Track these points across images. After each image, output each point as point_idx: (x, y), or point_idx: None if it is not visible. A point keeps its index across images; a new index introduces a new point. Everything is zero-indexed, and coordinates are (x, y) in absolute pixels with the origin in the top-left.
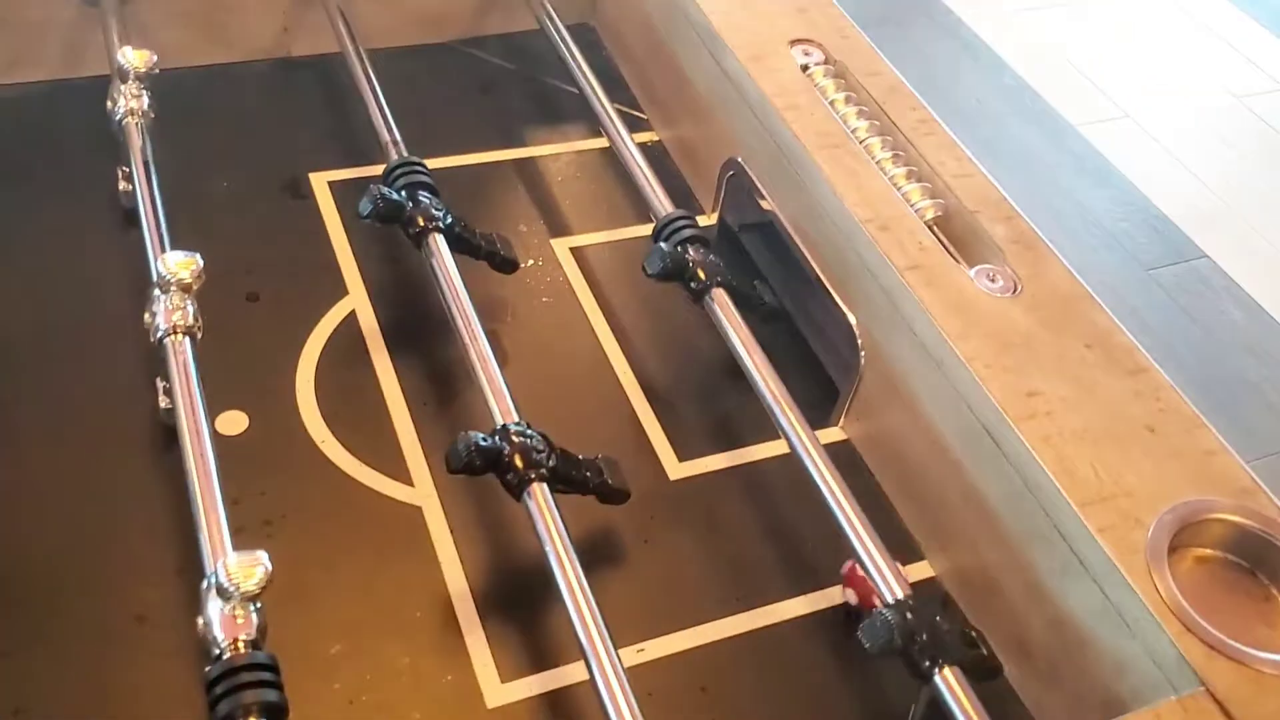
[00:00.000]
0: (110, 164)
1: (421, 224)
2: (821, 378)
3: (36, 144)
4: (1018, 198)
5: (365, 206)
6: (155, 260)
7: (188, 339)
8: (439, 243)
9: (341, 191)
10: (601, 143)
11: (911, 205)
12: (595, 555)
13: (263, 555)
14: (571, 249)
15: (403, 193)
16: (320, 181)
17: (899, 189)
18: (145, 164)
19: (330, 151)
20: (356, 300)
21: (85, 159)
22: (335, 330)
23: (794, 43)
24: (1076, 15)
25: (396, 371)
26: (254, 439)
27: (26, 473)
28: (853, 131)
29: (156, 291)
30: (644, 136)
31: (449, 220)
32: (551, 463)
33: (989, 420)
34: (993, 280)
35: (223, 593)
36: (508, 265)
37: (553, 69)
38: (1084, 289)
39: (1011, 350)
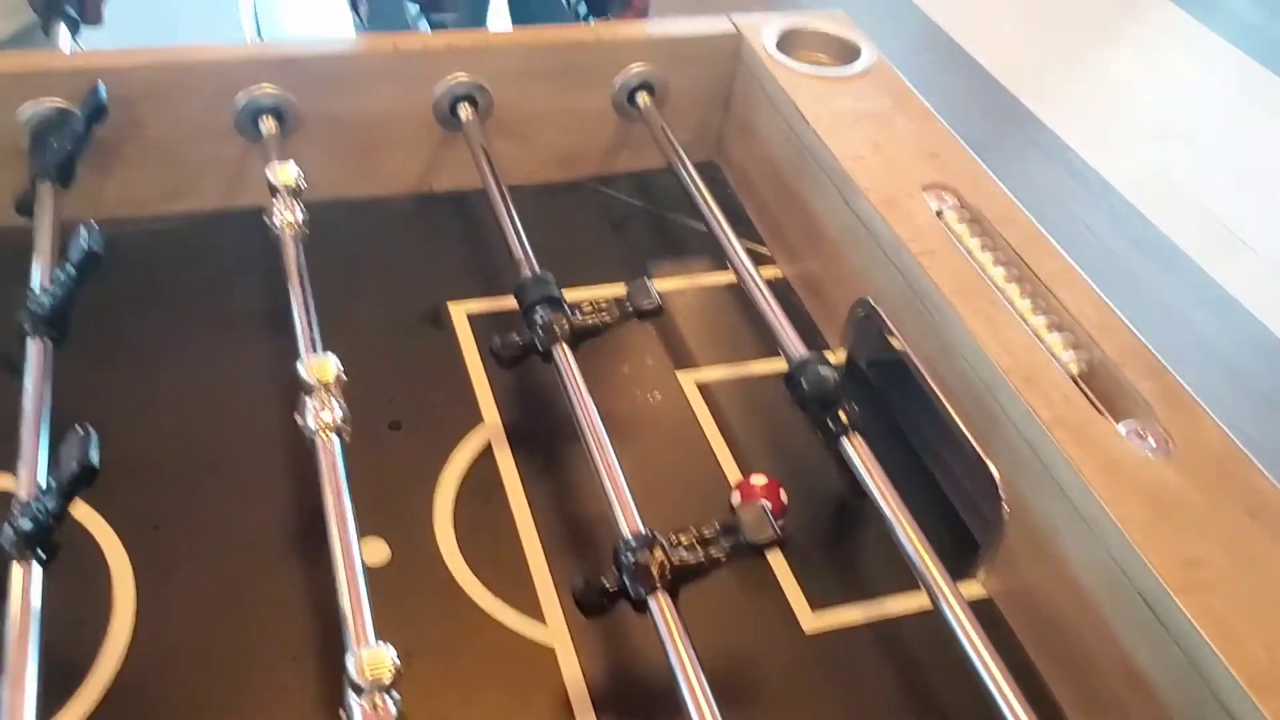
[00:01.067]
0: (263, 288)
1: (546, 342)
2: (955, 525)
3: (193, 270)
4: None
5: (497, 352)
6: (304, 361)
7: (336, 437)
8: (566, 356)
9: (479, 322)
10: (728, 277)
11: (1054, 356)
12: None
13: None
14: (697, 383)
15: (527, 331)
16: (459, 312)
17: (1040, 339)
18: (299, 271)
19: (468, 283)
20: (491, 429)
21: (239, 283)
22: (472, 460)
23: (927, 187)
24: (1187, 141)
25: (529, 502)
26: (393, 568)
27: (177, 587)
28: (990, 278)
29: (303, 395)
30: (769, 272)
31: (572, 321)
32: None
33: (1146, 588)
34: (1143, 438)
35: (356, 687)
36: (650, 312)
37: (680, 205)
38: (1239, 450)
39: (1167, 514)
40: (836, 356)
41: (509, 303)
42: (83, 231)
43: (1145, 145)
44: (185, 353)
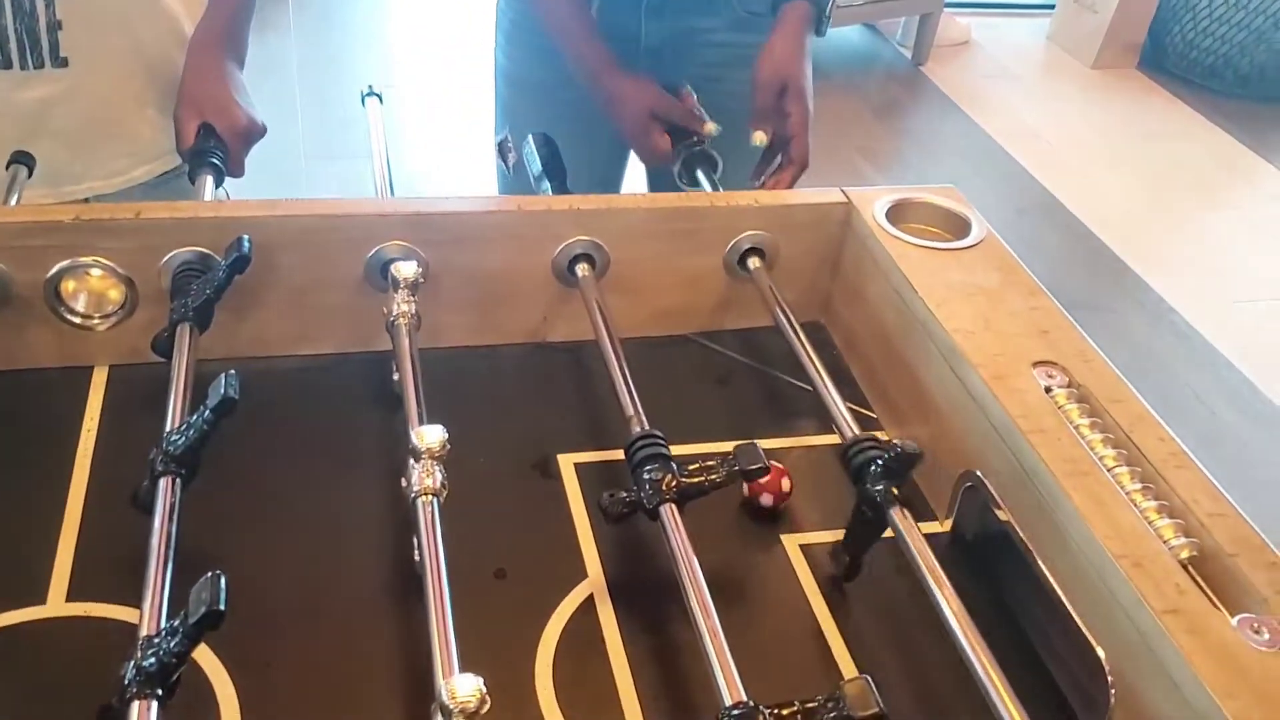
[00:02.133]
0: (382, 430)
1: (654, 500)
2: (1060, 703)
3: (316, 410)
4: (1241, 502)
5: (605, 508)
6: (412, 432)
7: (434, 500)
8: (674, 516)
9: (587, 472)
10: (832, 439)
11: (1165, 542)
12: None
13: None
14: (801, 545)
15: (634, 488)
16: (568, 463)
17: (1151, 524)
18: (411, 357)
19: (579, 433)
20: (595, 584)
21: (359, 425)
22: (574, 613)
23: (1036, 364)
24: None
25: (630, 660)
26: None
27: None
28: (1100, 459)
29: (411, 460)
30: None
31: (680, 480)
32: None
33: None
34: (1257, 632)
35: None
36: (755, 474)
37: (786, 364)
38: None
39: None
40: (942, 526)
41: (617, 455)
42: (223, 378)
43: (1252, 310)
44: (304, 492)
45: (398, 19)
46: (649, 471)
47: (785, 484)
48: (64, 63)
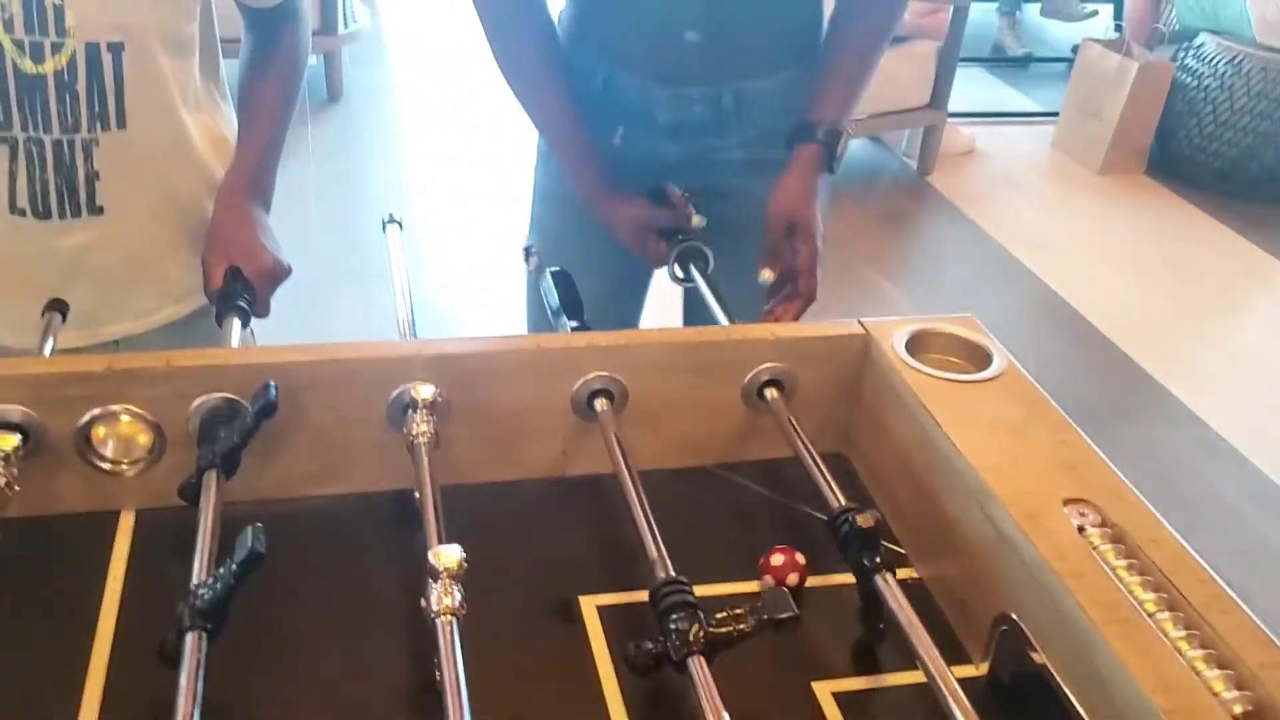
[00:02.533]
0: (404, 566)
1: (681, 652)
2: None
3: (339, 550)
4: None
5: (631, 660)
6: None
7: (454, 620)
8: (701, 668)
9: (610, 617)
10: None
11: (1216, 696)
12: None
13: None
14: (834, 693)
15: (660, 637)
16: (590, 605)
17: (1200, 675)
18: (430, 477)
19: (600, 574)
20: None
21: (382, 563)
22: None
23: (1068, 502)
24: None
25: None
26: None
27: None
28: (1140, 604)
29: (430, 580)
30: (905, 573)
31: (707, 630)
32: None
33: None
34: None
35: None
36: (788, 624)
37: (807, 497)
38: None
39: None
40: (978, 669)
41: (641, 596)
42: (249, 531)
43: (1279, 416)
44: (329, 637)
45: (411, 142)
46: (675, 621)
47: (799, 559)
48: (100, 210)
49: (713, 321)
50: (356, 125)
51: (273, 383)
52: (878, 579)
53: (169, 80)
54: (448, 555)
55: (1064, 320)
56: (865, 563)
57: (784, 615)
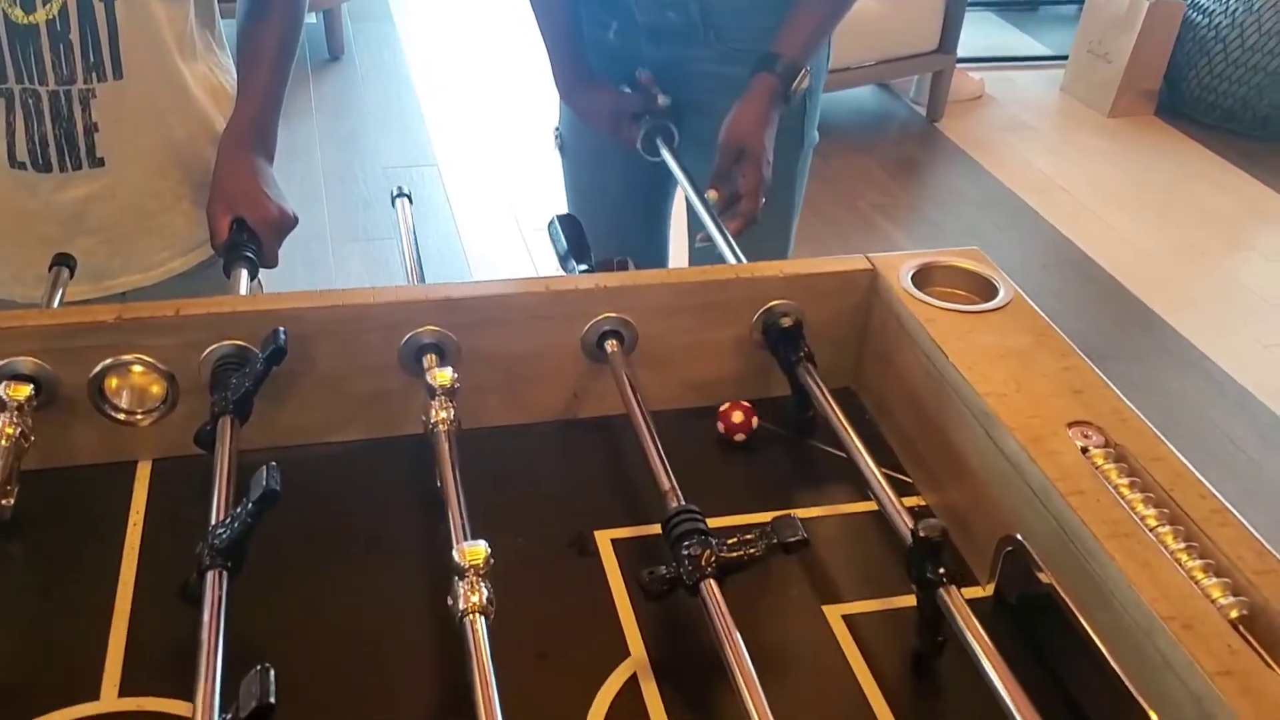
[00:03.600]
0: (421, 514)
1: (694, 576)
2: None
3: (356, 496)
4: None
5: (645, 586)
6: (455, 548)
7: (482, 618)
8: (714, 591)
9: (624, 548)
10: (869, 506)
11: (1213, 602)
12: None
13: None
14: (844, 616)
15: (673, 564)
16: (605, 539)
17: (1198, 584)
18: (452, 466)
19: (614, 509)
20: (638, 662)
21: (398, 509)
22: (618, 693)
23: (1072, 425)
24: None
25: None
26: None
27: None
28: (1142, 520)
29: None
30: (911, 501)
31: (719, 555)
32: None
33: None
34: None
35: None
36: (797, 547)
37: (817, 431)
38: None
39: None
40: (984, 590)
41: (655, 530)
42: (264, 470)
43: None
44: (345, 578)
45: (415, 99)
46: (687, 547)
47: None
48: (100, 163)
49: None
50: (359, 83)
51: (282, 328)
52: (941, 592)
53: (164, 28)
54: (474, 552)
55: (1073, 263)
56: (929, 575)
57: (793, 539)
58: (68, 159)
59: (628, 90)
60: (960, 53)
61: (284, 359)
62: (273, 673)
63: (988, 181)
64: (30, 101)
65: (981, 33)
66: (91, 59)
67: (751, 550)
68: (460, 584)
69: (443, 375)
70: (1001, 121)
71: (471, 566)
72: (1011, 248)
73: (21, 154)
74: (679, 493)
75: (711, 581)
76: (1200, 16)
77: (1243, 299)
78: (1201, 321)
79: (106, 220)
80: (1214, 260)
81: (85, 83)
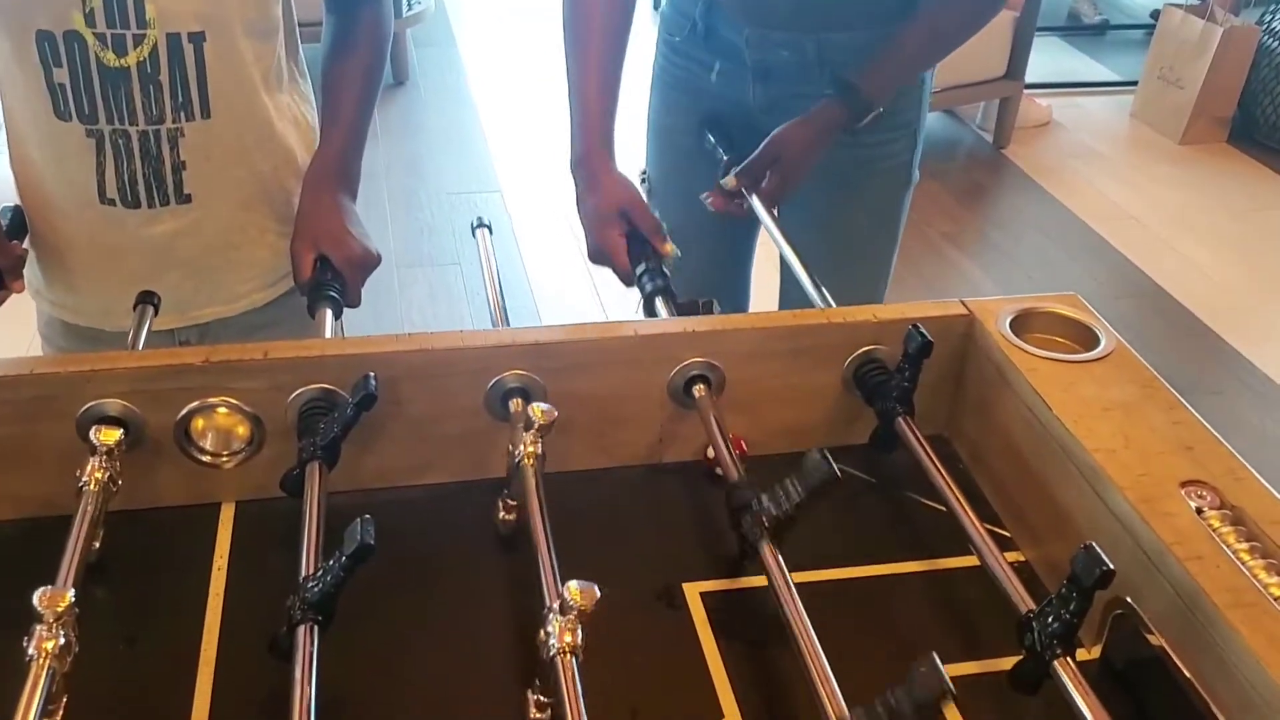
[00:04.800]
0: (504, 558)
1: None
2: None
3: (440, 540)
4: None
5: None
6: (549, 584)
7: (574, 659)
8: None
9: (714, 602)
10: (969, 561)
11: None
12: None
13: None
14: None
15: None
16: (693, 592)
17: None
18: (539, 500)
19: (702, 560)
20: None
21: (483, 553)
22: None
23: (1185, 484)
24: None
25: None
26: None
27: None
28: (1265, 588)
29: (550, 615)
30: (1012, 556)
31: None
32: None
33: None
34: None
35: None
36: (830, 487)
37: (913, 482)
38: None
39: None
40: (1089, 654)
41: (745, 583)
42: (358, 524)
43: None
44: (432, 622)
45: (480, 123)
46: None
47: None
48: (188, 199)
49: (809, 301)
50: (424, 108)
51: (373, 374)
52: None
53: (251, 67)
54: (585, 594)
55: (1145, 293)
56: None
57: (823, 479)
58: (156, 196)
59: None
60: (1028, 79)
61: (374, 405)
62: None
63: (1056, 209)
64: (120, 142)
65: (1050, 58)
66: (180, 99)
67: (787, 502)
68: (557, 620)
69: (538, 410)
70: (1070, 148)
71: (579, 608)
72: (1082, 277)
73: (111, 191)
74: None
75: (768, 543)
76: (1275, 42)
77: None
78: (1277, 354)
79: (193, 254)
80: None
81: (174, 122)
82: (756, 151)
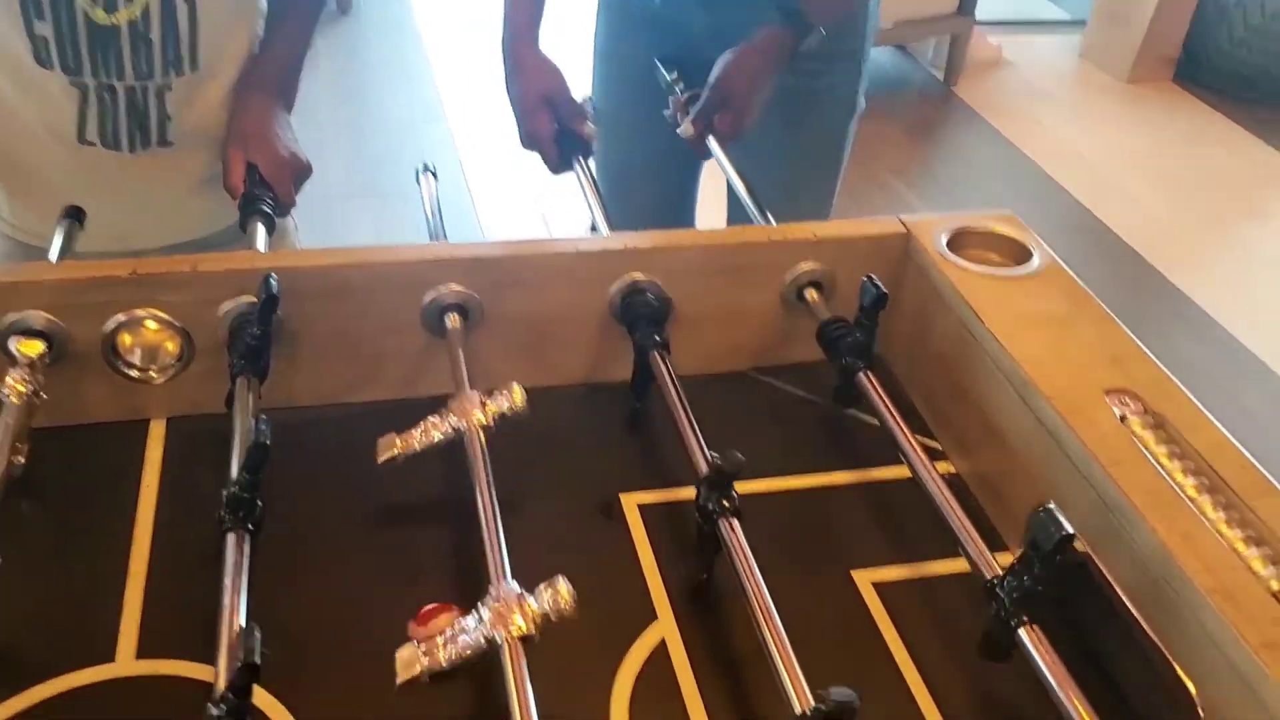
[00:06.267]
0: (440, 475)
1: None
2: None
3: (371, 451)
4: None
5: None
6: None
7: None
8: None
9: (651, 514)
10: (900, 472)
11: (1255, 574)
12: None
13: None
14: (873, 583)
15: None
16: (631, 503)
17: (1239, 555)
18: (486, 477)
19: (640, 473)
20: (665, 627)
21: (417, 470)
22: (647, 659)
23: (1110, 392)
24: None
25: (705, 703)
26: None
27: None
28: (1182, 489)
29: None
30: (943, 467)
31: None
32: None
33: None
34: None
35: None
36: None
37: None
38: None
39: None
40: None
41: (682, 494)
42: (254, 424)
43: None
44: (368, 542)
45: (424, 54)
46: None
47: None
48: (169, 144)
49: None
50: (367, 38)
51: (273, 275)
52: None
53: (241, 17)
54: (566, 595)
55: (1089, 229)
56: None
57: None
58: (138, 143)
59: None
60: (979, 15)
61: (277, 306)
62: (258, 634)
63: (1004, 147)
64: (106, 96)
65: None
66: (171, 55)
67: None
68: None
69: (518, 394)
70: (1019, 86)
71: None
72: (1028, 213)
73: (91, 135)
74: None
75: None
76: None
77: (1257, 267)
78: (1216, 289)
79: (170, 189)
80: (1230, 228)
81: (163, 77)
82: (706, 93)
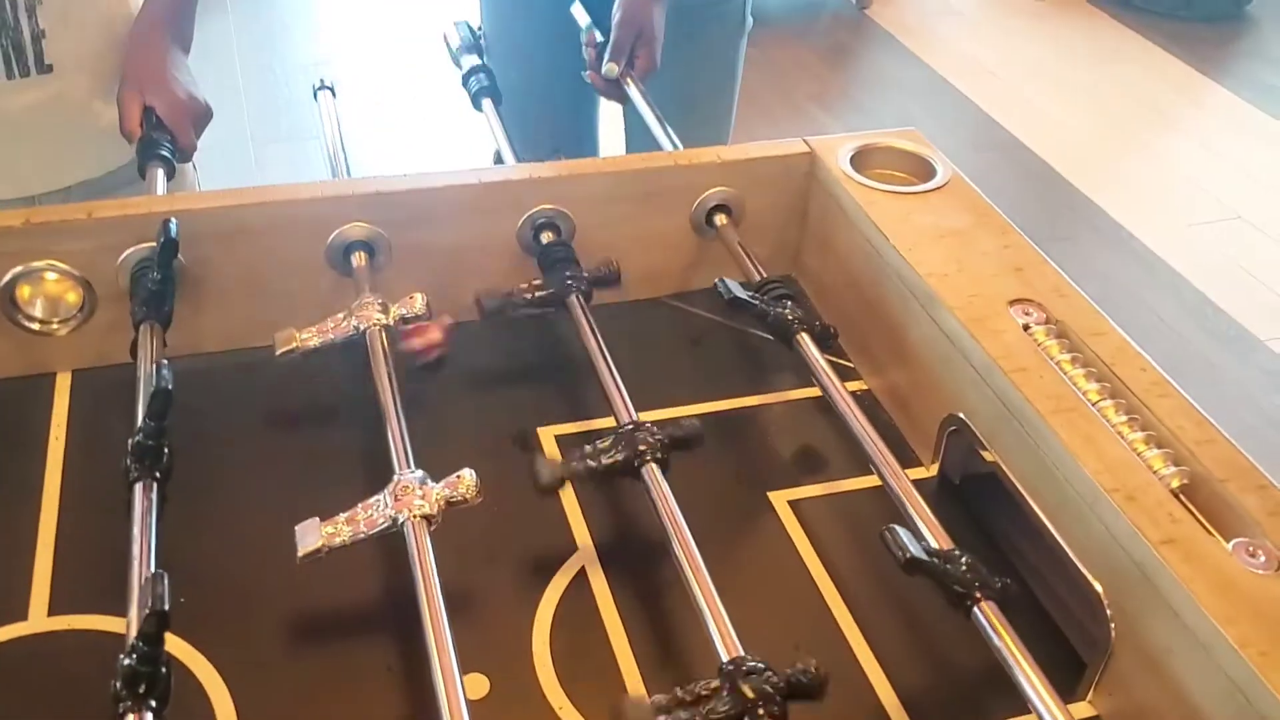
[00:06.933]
0: (353, 418)
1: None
2: (1059, 643)
3: (286, 401)
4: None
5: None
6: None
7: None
8: (655, 475)
9: (567, 445)
10: (812, 392)
11: (1155, 473)
12: None
13: None
14: (789, 501)
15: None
16: (548, 435)
17: (1140, 455)
18: (388, 374)
19: (555, 405)
20: (584, 555)
21: (330, 414)
22: (567, 588)
23: (1013, 303)
24: (1254, 226)
25: (626, 628)
26: (493, 701)
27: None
28: (1084, 394)
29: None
30: (854, 385)
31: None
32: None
33: (1271, 714)
34: (1253, 555)
35: None
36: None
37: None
38: None
39: None
40: (929, 471)
41: (596, 424)
42: (154, 370)
43: (1209, 231)
44: (280, 485)
45: None
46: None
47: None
48: (49, 69)
49: (656, 146)
50: None
51: (172, 218)
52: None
53: None
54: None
55: (1003, 146)
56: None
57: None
58: (15, 66)
59: None
60: None
61: (177, 250)
62: (165, 579)
63: (918, 67)
64: None
65: None
66: None
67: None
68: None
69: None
70: (931, 6)
71: (463, 497)
72: (942, 133)
73: None
74: (627, 402)
75: (654, 466)
76: None
77: (1169, 179)
78: (1129, 202)
79: (55, 123)
80: (1141, 141)
81: None
82: (615, 31)
